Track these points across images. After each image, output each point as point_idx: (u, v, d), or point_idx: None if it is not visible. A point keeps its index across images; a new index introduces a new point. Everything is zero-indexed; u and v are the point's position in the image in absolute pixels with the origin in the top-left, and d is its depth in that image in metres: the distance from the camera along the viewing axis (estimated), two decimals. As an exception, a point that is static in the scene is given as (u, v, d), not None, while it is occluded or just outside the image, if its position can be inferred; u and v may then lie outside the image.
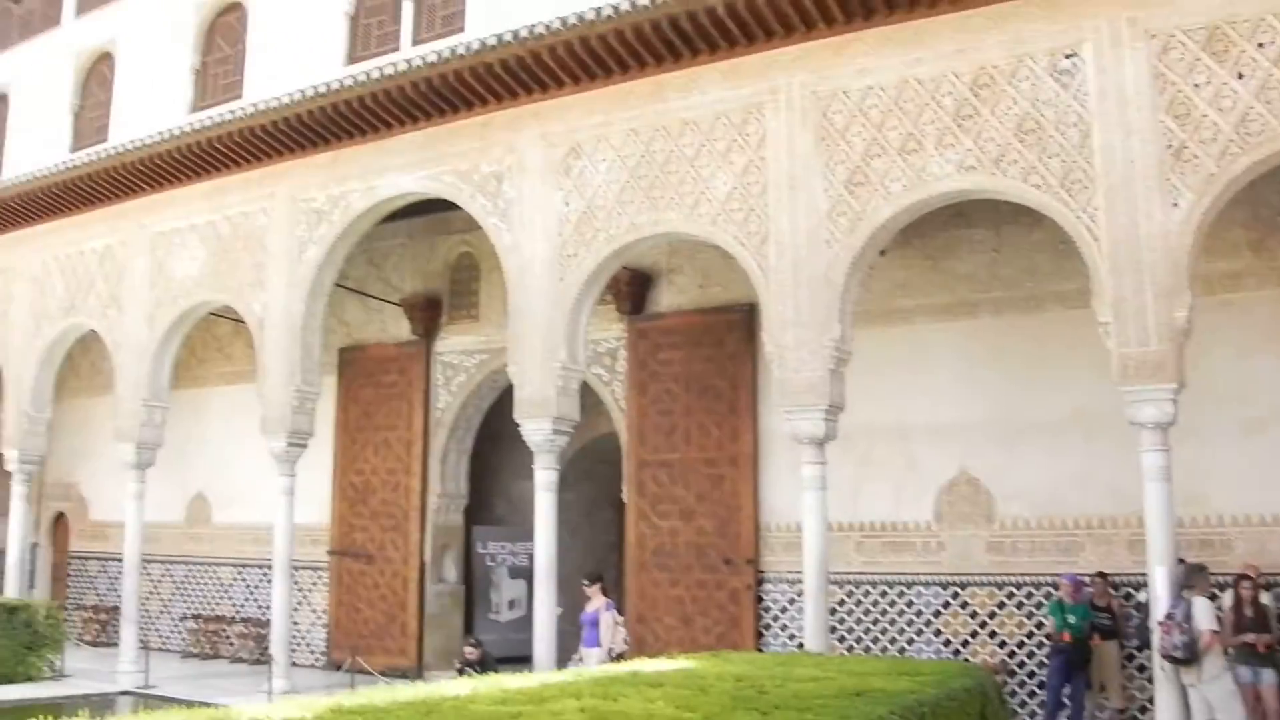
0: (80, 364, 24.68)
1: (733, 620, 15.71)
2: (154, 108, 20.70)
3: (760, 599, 15.70)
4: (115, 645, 18.81)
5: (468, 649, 14.90)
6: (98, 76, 23.09)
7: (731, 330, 16.26)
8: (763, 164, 13.10)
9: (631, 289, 17.10)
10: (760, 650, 14.83)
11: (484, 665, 14.26)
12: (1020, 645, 14.28)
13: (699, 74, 13.73)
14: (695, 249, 16.36)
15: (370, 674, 16.74)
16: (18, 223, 21.75)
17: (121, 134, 20.51)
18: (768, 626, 15.64)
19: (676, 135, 13.78)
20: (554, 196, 14.59)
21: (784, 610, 15.55)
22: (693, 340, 16.56)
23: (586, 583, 13.85)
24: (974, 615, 14.56)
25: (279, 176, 17.59)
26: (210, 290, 18.32)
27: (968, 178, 11.92)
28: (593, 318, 15.00)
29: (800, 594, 13.33)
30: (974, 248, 15.03)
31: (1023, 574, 14.35)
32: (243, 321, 18.00)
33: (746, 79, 13.39)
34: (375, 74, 15.63)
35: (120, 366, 19.37)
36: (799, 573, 13.24)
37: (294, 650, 19.36)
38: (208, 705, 14.09)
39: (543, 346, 14.31)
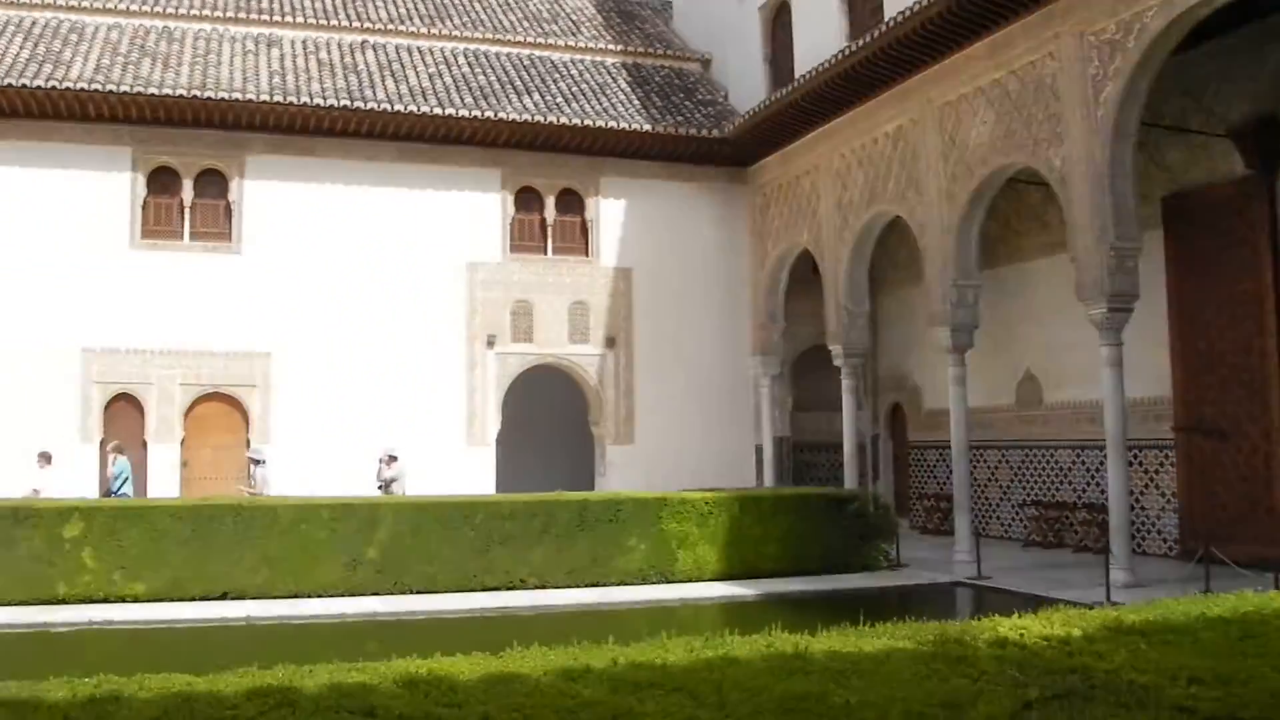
0: (898, 254, 25.63)
1: None
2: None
3: None
4: (954, 534, 19.23)
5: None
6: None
7: None
8: None
9: None
10: None
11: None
12: None
13: None
14: None
15: (1229, 566, 15.18)
16: (814, 122, 23.10)
17: (895, 8, 20.60)
18: None
19: None
20: None
21: None
22: None
23: None
24: None
25: (1062, 13, 16.55)
26: (1004, 153, 17.85)
27: None
28: None
29: None
30: None
31: None
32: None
33: None
34: None
35: (926, 249, 19.70)
36: None
37: (1142, 538, 18.48)
38: (1038, 599, 13.74)
39: None
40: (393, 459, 19.90)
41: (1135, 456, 18.41)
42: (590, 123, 24.47)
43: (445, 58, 26.13)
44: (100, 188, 22.32)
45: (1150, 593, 14.30)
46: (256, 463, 19.69)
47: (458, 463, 23.41)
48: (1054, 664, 4.86)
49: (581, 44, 28.14)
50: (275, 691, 4.41)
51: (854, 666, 4.86)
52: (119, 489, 18.37)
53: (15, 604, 14.10)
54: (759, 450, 26.02)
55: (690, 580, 16.84)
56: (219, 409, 22.63)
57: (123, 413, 22.03)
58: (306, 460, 21.74)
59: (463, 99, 24.17)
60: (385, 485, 19.43)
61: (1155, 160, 18.60)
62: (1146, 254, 16.43)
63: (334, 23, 25.99)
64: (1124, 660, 4.89)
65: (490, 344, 24.18)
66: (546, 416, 27.16)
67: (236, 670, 4.98)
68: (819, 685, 4.47)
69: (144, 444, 21.74)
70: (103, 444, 20.99)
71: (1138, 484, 18.60)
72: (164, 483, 21.77)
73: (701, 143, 25.60)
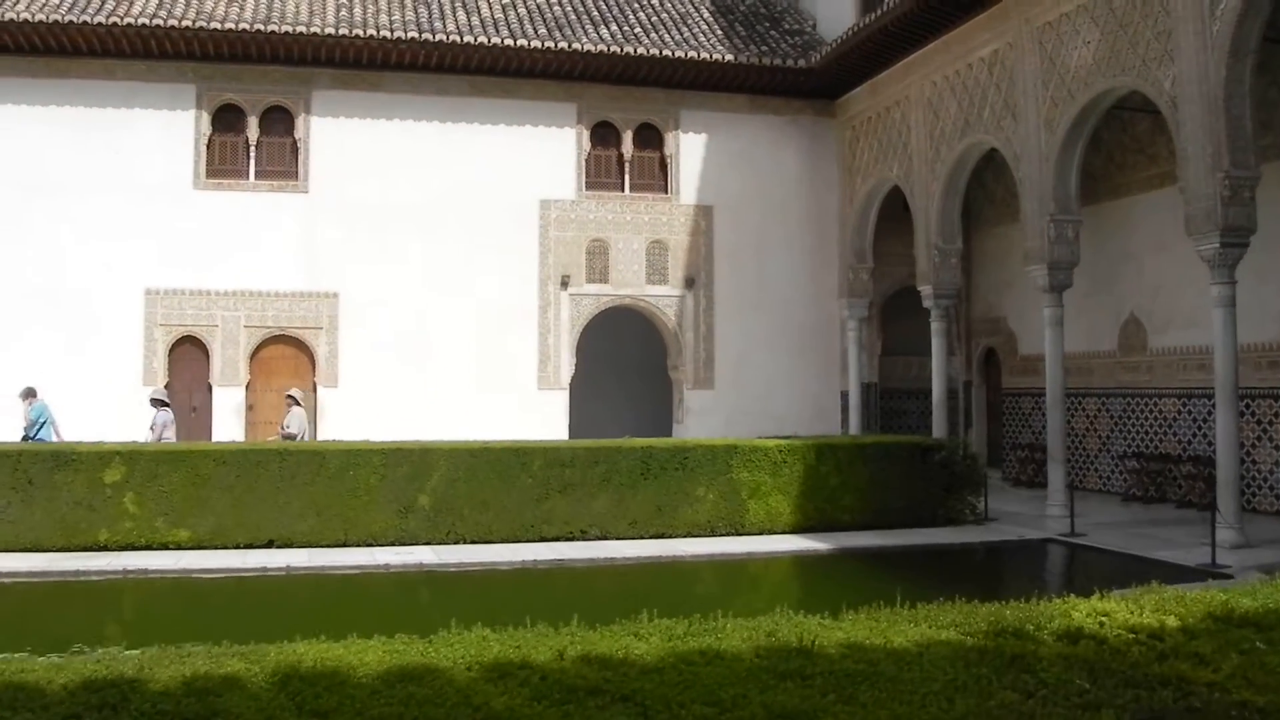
0: (994, 190, 24.22)
1: None
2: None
3: None
4: (1047, 487, 17.92)
5: None
6: None
7: None
8: None
9: None
10: None
11: None
12: None
13: None
14: None
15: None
16: (904, 48, 21.77)
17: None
18: None
19: None
20: None
21: None
22: None
23: None
24: None
25: (1174, -83, 14.91)
26: (1108, 75, 16.35)
27: None
28: None
29: None
30: None
31: None
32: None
33: None
34: None
35: (1022, 181, 18.32)
36: None
37: (1252, 494, 17.11)
38: (1134, 559, 12.47)
39: None
40: (293, 401, 18.32)
41: (1247, 406, 16.96)
42: (670, 54, 23.20)
43: (519, -13, 25.07)
44: (164, 126, 21.76)
45: (1260, 555, 13.01)
46: (158, 405, 17.90)
47: (529, 406, 22.63)
48: (1139, 669, 3.73)
49: (663, -28, 26.84)
50: (110, 686, 3.56)
51: (870, 669, 3.79)
52: (37, 434, 17.26)
53: (56, 550, 13.61)
54: (845, 396, 24.79)
55: (761, 533, 15.84)
56: (285, 352, 22.03)
57: (187, 355, 21.54)
58: (374, 404, 21.12)
59: (536, 30, 23.08)
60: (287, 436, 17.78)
61: (1278, 82, 16.94)
62: (1265, 185, 14.89)
63: (404, -47, 25.00)
64: (1234, 668, 3.74)
65: (564, 285, 23.25)
66: (623, 360, 26.23)
67: (90, 658, 4.12)
68: (813, 699, 3.40)
69: (209, 388, 21.27)
70: (167, 388, 20.53)
71: (1249, 436, 17.14)
72: (228, 427, 21.30)
73: (786, 74, 24.19)
